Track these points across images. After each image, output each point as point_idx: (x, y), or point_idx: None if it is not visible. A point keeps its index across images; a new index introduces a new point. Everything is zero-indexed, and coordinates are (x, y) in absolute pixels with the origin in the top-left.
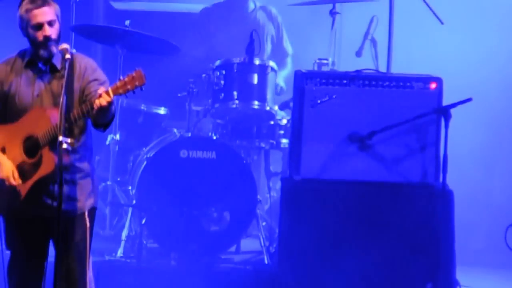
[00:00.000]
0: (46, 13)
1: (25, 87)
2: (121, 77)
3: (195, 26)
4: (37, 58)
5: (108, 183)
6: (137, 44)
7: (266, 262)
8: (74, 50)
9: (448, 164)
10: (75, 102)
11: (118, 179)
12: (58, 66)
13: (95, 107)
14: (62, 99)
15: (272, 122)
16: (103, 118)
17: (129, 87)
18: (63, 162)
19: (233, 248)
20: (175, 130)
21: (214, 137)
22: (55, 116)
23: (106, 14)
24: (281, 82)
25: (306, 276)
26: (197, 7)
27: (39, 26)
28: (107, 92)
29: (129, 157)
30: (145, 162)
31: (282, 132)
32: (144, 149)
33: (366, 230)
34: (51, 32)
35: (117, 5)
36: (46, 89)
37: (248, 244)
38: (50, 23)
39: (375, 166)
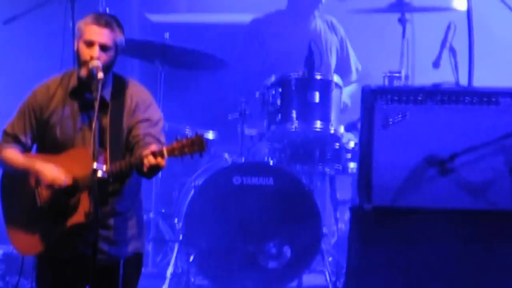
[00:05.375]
0: (103, 35)
1: (67, 118)
2: (179, 138)
3: (245, 38)
4: (84, 86)
5: (151, 215)
6: (179, 59)
7: None
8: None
9: None
10: (123, 143)
11: (163, 210)
12: (108, 99)
13: (145, 168)
14: (94, 124)
15: (337, 145)
16: (149, 175)
17: (186, 150)
18: (102, 209)
19: (294, 283)
20: (226, 155)
21: (271, 162)
22: (101, 161)
23: (142, 28)
24: (345, 98)
25: None
26: (245, 18)
27: (90, 44)
28: (161, 152)
29: (174, 185)
30: (192, 191)
31: (349, 156)
32: (191, 176)
33: (449, 265)
34: (100, 56)
35: (154, 18)
36: (90, 124)
37: (311, 279)
38: (104, 47)
39: (458, 193)
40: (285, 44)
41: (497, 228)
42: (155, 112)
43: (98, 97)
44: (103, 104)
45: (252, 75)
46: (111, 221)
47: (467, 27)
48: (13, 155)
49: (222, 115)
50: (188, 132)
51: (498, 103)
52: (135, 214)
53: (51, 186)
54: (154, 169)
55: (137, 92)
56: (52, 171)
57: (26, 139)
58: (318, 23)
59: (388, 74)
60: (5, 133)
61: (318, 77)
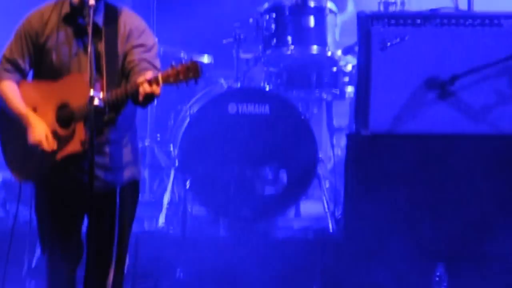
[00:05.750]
0: None
1: (62, 44)
2: (173, 64)
3: None
4: (76, 11)
5: (146, 142)
6: None
7: (330, 229)
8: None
9: None
10: (118, 69)
11: (158, 138)
12: (100, 23)
13: (140, 97)
14: (89, 49)
15: (334, 69)
16: (145, 104)
17: (181, 77)
18: (97, 138)
19: (291, 213)
20: (221, 80)
21: (267, 88)
22: (97, 88)
23: None
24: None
25: (376, 245)
26: None
27: None
28: (156, 79)
29: (169, 113)
30: (188, 119)
31: (346, 79)
32: (186, 104)
33: (448, 190)
34: None
35: None
36: (85, 50)
37: (309, 208)
38: None
39: (459, 116)
40: None
41: (500, 153)
42: (149, 38)
43: (91, 22)
44: (97, 30)
45: (246, 0)
46: (106, 149)
47: None
48: (11, 93)
49: (217, 40)
50: (184, 56)
51: (500, 25)
52: (130, 141)
53: (33, 145)
54: (149, 98)
55: (130, 19)
56: (40, 133)
57: (25, 65)
58: None
59: (383, 0)
60: (5, 58)
61: (312, 4)
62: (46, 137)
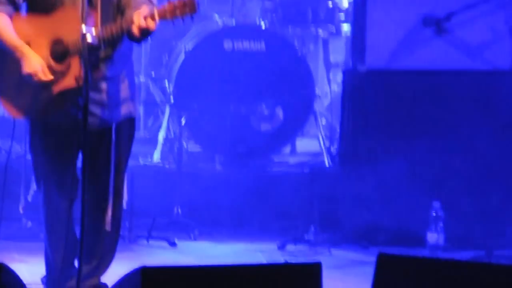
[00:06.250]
0: None
1: None
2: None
3: None
4: None
5: (141, 78)
6: None
7: (326, 164)
8: None
9: None
10: (114, 4)
11: (152, 74)
12: None
13: (136, 31)
14: None
15: (330, 4)
16: (140, 39)
17: (177, 13)
18: (93, 74)
19: (287, 149)
20: (216, 16)
21: (263, 25)
22: (91, 20)
23: None
24: None
25: (372, 179)
26: None
27: None
28: (152, 15)
29: (163, 48)
30: (183, 55)
31: (342, 16)
32: (180, 39)
33: (444, 127)
34: None
35: None
36: None
37: (304, 144)
38: None
39: (455, 53)
40: None
41: (495, 89)
42: None
43: None
44: None
45: None
46: (103, 85)
47: None
48: (3, 25)
49: None
50: None
51: None
52: (127, 77)
53: (28, 76)
54: (145, 33)
55: None
56: (35, 64)
57: None
58: None
59: None
60: None
61: None
62: (42, 67)
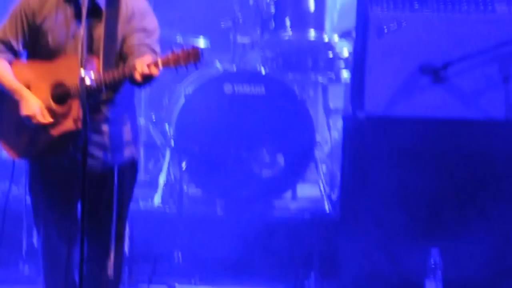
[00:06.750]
0: None
1: (60, 25)
2: (174, 49)
3: None
4: None
5: (141, 121)
6: None
7: (326, 210)
8: None
9: None
10: (117, 52)
11: (153, 116)
12: (102, 6)
13: (138, 76)
14: (82, 30)
15: (331, 54)
16: (142, 84)
17: (181, 62)
18: (94, 116)
19: (288, 194)
20: (217, 63)
21: (263, 71)
22: (93, 66)
23: None
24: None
25: (372, 226)
26: None
27: None
28: (155, 64)
29: (163, 91)
30: (183, 99)
31: (342, 64)
32: (181, 83)
33: (440, 173)
34: None
35: None
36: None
37: (305, 190)
38: None
39: (451, 101)
40: None
41: (488, 137)
42: (151, 22)
43: (86, 3)
44: (98, 11)
45: None
46: (105, 127)
47: None
48: (2, 70)
49: (215, 23)
50: (179, 39)
51: (494, 11)
52: (130, 120)
53: (27, 118)
54: (147, 79)
55: (133, 0)
56: (34, 107)
57: (18, 45)
58: None
59: None
60: None
61: None
62: (41, 110)
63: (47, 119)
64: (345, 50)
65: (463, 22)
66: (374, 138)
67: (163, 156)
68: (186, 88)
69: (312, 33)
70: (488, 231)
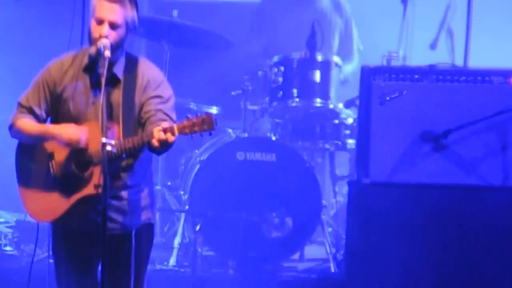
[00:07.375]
0: (113, 12)
1: (80, 93)
2: (189, 116)
3: (254, 17)
4: (95, 62)
5: (157, 188)
6: (186, 38)
7: (332, 270)
8: (142, 57)
9: None
10: (135, 118)
11: (169, 183)
12: (120, 75)
13: (155, 143)
14: (102, 99)
15: (336, 121)
16: (160, 151)
17: (196, 129)
18: (114, 183)
19: (296, 256)
20: (229, 130)
21: (274, 138)
22: (114, 132)
23: (151, 5)
24: (348, 73)
25: (376, 286)
26: None
27: (100, 22)
28: (171, 129)
29: (179, 159)
30: (198, 165)
31: (348, 132)
32: (196, 151)
33: (442, 237)
34: (109, 34)
35: None
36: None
37: (312, 251)
38: (113, 25)
39: (451, 168)
40: (292, 24)
41: (487, 204)
42: (166, 90)
43: (104, 74)
44: (115, 80)
45: (257, 55)
46: (124, 193)
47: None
48: (28, 123)
49: (226, 92)
50: (193, 107)
51: (491, 82)
52: (147, 186)
53: (68, 144)
54: (165, 145)
55: (148, 70)
56: (68, 131)
57: (41, 112)
58: (325, 3)
59: (387, 55)
60: (20, 105)
61: (319, 58)
62: (76, 130)
63: (85, 139)
64: (350, 118)
65: (463, 92)
66: (378, 202)
67: (178, 220)
68: (201, 155)
69: (318, 101)
70: None
